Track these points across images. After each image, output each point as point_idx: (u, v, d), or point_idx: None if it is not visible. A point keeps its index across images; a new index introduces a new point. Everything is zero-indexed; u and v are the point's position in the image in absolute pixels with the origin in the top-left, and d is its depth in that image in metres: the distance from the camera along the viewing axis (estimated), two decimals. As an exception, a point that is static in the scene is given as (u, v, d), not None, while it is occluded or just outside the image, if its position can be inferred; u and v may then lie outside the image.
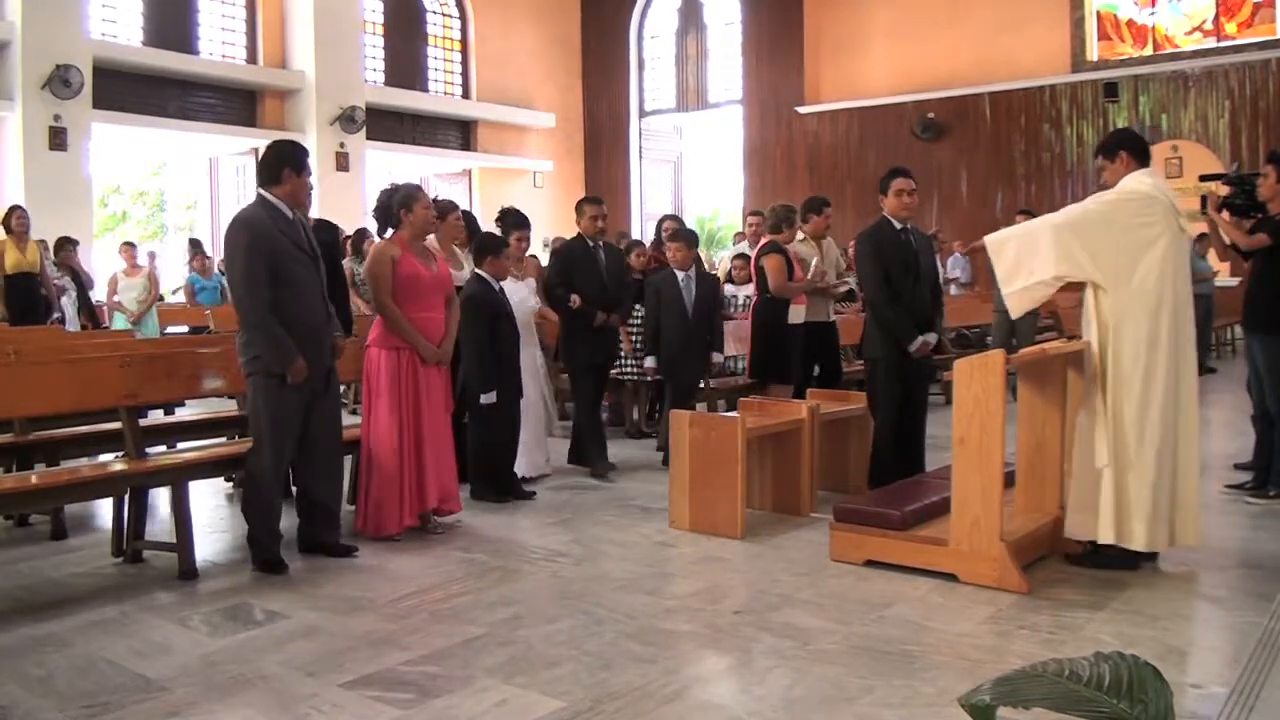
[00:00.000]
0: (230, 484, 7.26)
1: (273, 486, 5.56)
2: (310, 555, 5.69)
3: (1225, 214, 7.03)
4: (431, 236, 7.26)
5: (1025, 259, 5.23)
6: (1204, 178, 7.50)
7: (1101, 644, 4.07)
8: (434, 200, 8.05)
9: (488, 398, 6.71)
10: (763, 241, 8.37)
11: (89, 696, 3.84)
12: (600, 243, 8.01)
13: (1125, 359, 5.09)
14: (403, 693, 3.82)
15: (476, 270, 6.93)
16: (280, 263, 5.39)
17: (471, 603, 4.87)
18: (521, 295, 7.52)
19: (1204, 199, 7.06)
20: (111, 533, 5.92)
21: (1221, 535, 5.91)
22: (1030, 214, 11.56)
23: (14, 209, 11.52)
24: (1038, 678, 1.54)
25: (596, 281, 7.79)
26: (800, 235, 8.40)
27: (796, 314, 7.95)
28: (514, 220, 7.89)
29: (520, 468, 7.35)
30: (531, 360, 7.64)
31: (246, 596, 5.03)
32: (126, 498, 5.74)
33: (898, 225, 6.69)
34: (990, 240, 5.47)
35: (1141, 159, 5.39)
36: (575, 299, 7.66)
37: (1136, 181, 5.26)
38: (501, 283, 7.00)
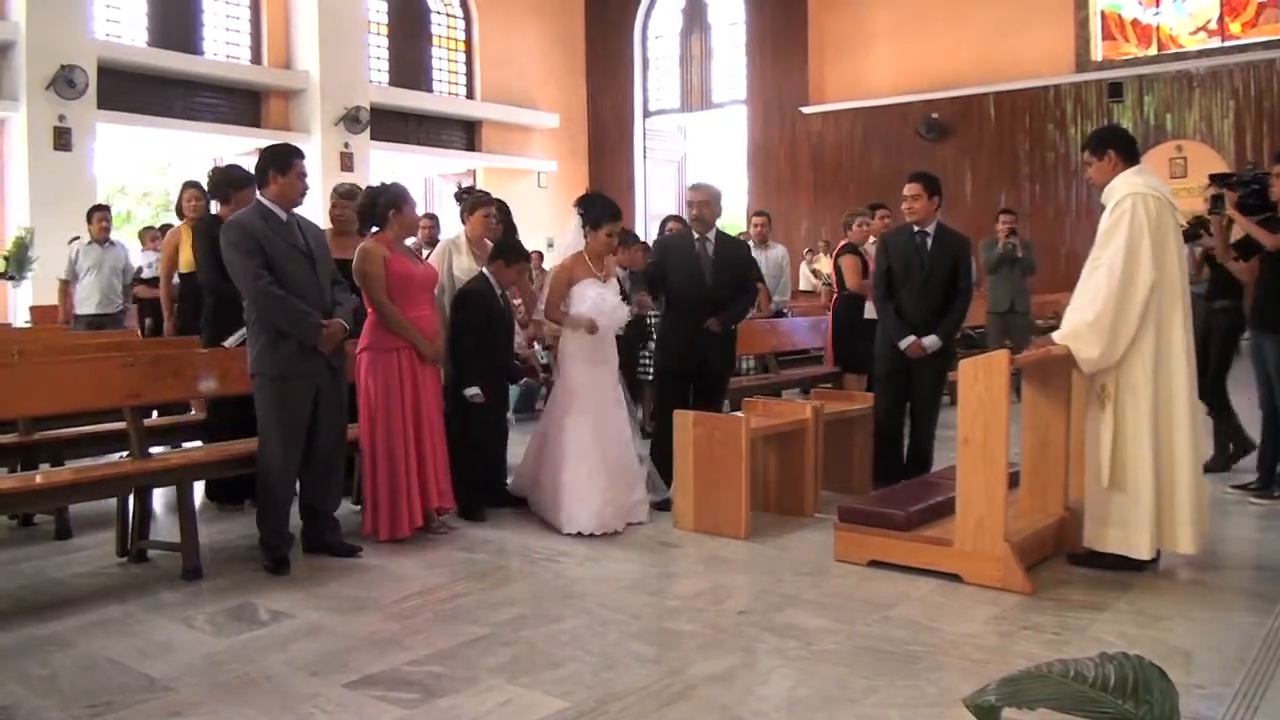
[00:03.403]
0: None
1: (282, 488, 5.57)
2: (314, 555, 5.70)
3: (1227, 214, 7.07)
4: (462, 233, 7.26)
5: (1119, 328, 5.05)
6: (1214, 177, 7.48)
7: (1106, 645, 4.06)
8: (468, 190, 8.03)
9: (472, 393, 6.49)
10: (843, 242, 9.20)
11: (92, 696, 3.84)
12: (710, 236, 7.00)
13: (1172, 355, 5.12)
14: (406, 693, 3.82)
15: (483, 269, 6.75)
16: (275, 263, 5.43)
17: (475, 603, 4.88)
18: (612, 302, 6.43)
19: (1218, 199, 7.04)
20: (116, 532, 5.92)
21: (1226, 536, 5.90)
22: (1011, 213, 11.64)
23: (188, 188, 8.69)
24: (1043, 678, 1.54)
25: (695, 278, 6.85)
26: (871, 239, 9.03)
27: (870, 309, 8.21)
28: (600, 210, 6.55)
29: (589, 520, 6.11)
30: (611, 380, 6.53)
31: (250, 596, 5.03)
32: (131, 497, 5.75)
33: (915, 228, 6.79)
34: (1066, 339, 5.17)
35: (1130, 158, 5.35)
36: (644, 298, 6.91)
37: (1128, 183, 5.20)
38: (505, 288, 6.75)
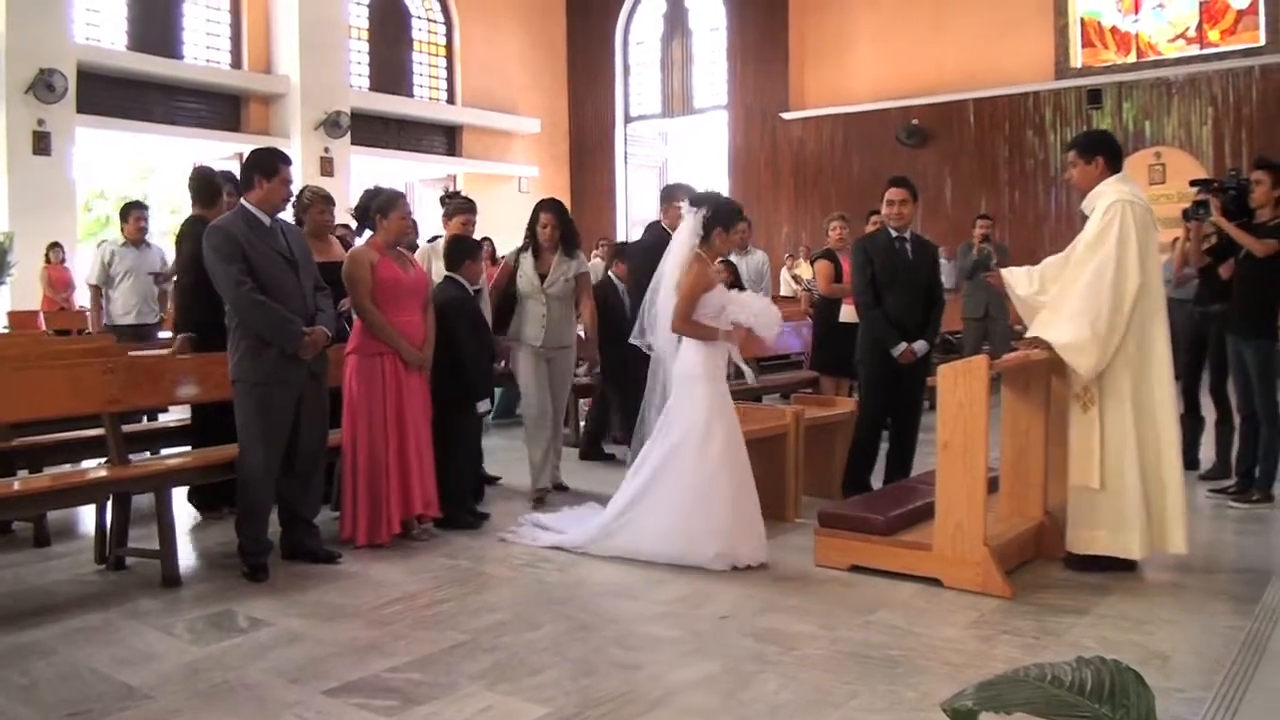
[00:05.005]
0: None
1: (261, 494, 5.55)
2: (294, 562, 5.67)
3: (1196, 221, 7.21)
4: (442, 238, 7.19)
5: (1112, 336, 5.13)
6: (1194, 183, 7.54)
7: (1085, 649, 4.08)
8: (452, 195, 7.92)
9: (481, 405, 6.47)
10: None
11: (72, 705, 3.82)
12: None
13: (1158, 367, 5.23)
14: (386, 700, 3.81)
15: (449, 273, 6.67)
16: (258, 268, 5.41)
17: (455, 609, 4.86)
18: (766, 306, 5.82)
19: (1201, 204, 7.10)
20: (95, 539, 5.89)
21: (1206, 540, 5.93)
22: (988, 219, 11.67)
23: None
24: (1020, 682, 1.55)
25: None
26: None
27: (846, 314, 8.22)
28: (732, 209, 5.96)
29: (754, 550, 5.56)
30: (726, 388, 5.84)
31: (230, 603, 5.01)
32: (109, 504, 5.71)
33: (894, 233, 6.77)
34: (1067, 353, 5.19)
35: (1116, 167, 5.44)
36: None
37: (1115, 190, 5.29)
38: (475, 287, 6.71)
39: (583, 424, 9.57)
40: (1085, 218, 5.42)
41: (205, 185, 7.08)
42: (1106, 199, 5.28)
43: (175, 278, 7.61)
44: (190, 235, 6.97)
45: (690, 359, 5.69)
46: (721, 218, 5.78)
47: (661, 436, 5.71)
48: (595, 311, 7.45)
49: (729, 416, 5.70)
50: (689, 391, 5.67)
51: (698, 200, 5.92)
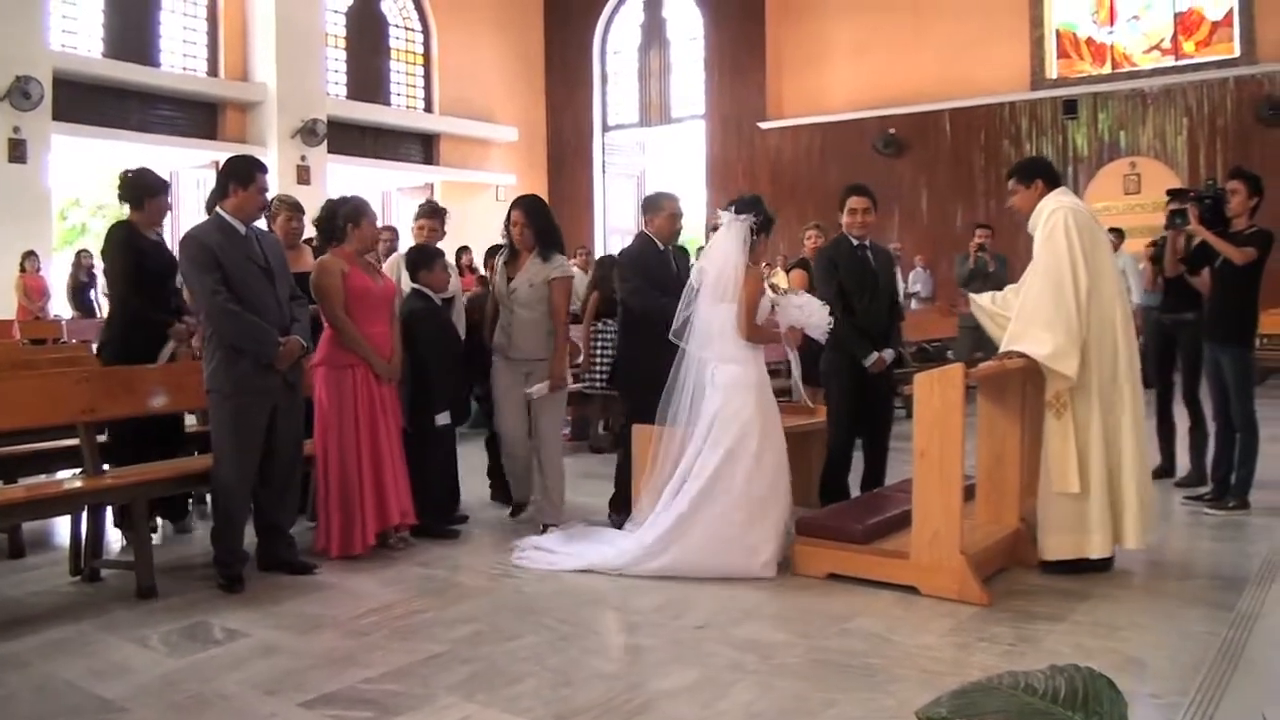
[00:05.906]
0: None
1: (237, 504, 5.52)
2: (270, 573, 5.65)
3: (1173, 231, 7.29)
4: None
5: (1080, 326, 5.25)
6: (1171, 192, 7.59)
7: (1062, 656, 4.09)
8: (429, 202, 7.87)
9: (442, 418, 6.41)
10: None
11: (47, 718, 3.80)
12: (672, 248, 6.74)
13: (1118, 365, 5.35)
14: (363, 711, 3.79)
15: (414, 284, 6.57)
16: (233, 277, 5.39)
17: (433, 619, 4.85)
18: (819, 308, 5.79)
19: (1178, 213, 7.14)
20: (69, 551, 5.85)
21: (1182, 546, 5.98)
22: (988, 229, 11.73)
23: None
24: (993, 690, 1.55)
25: (673, 293, 6.06)
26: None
27: None
28: (768, 212, 5.86)
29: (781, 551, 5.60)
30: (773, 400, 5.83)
31: (205, 615, 4.98)
32: (84, 515, 5.67)
33: (855, 241, 6.73)
34: (1052, 361, 5.23)
35: (1053, 186, 5.70)
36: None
37: (1056, 201, 5.54)
38: (442, 295, 6.66)
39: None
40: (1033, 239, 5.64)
41: (133, 188, 6.68)
42: (1048, 209, 5.52)
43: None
44: (116, 242, 6.58)
45: (743, 367, 5.62)
46: (768, 225, 5.80)
47: (710, 447, 5.56)
48: (566, 323, 7.00)
49: (776, 423, 5.67)
50: (742, 399, 5.57)
51: (744, 207, 5.75)
